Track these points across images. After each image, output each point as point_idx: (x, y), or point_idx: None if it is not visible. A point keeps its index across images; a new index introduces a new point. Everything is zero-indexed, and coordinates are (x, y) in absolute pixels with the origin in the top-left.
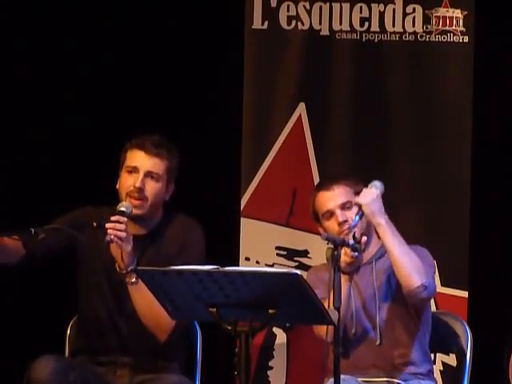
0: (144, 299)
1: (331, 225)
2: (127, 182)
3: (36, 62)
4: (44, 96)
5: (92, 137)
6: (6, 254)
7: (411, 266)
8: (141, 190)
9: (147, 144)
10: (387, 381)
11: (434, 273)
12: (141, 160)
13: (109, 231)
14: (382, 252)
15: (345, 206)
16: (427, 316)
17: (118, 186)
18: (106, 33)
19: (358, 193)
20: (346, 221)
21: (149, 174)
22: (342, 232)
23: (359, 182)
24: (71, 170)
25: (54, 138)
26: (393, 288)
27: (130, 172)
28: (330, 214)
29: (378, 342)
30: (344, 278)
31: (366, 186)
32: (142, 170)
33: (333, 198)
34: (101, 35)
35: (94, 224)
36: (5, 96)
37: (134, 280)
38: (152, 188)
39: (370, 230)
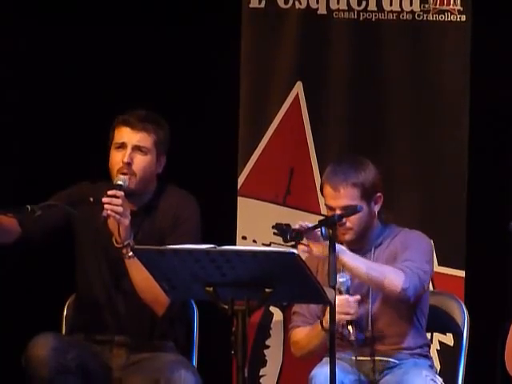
0: (141, 273)
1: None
2: (116, 159)
3: (24, 45)
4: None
5: (85, 113)
6: (1, 234)
7: (382, 277)
8: (129, 164)
9: (132, 119)
10: (381, 360)
11: (430, 259)
12: (127, 135)
13: (105, 206)
14: (382, 239)
15: (346, 209)
16: (424, 302)
17: (109, 164)
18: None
19: (364, 195)
20: (344, 223)
21: (136, 148)
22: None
23: (370, 176)
24: (64, 148)
25: (44, 114)
26: None
27: (118, 148)
28: (331, 209)
29: (369, 328)
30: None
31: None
32: (129, 145)
33: (336, 198)
34: (95, 22)
35: (91, 199)
36: None
37: (130, 254)
38: (140, 162)
39: (370, 218)
